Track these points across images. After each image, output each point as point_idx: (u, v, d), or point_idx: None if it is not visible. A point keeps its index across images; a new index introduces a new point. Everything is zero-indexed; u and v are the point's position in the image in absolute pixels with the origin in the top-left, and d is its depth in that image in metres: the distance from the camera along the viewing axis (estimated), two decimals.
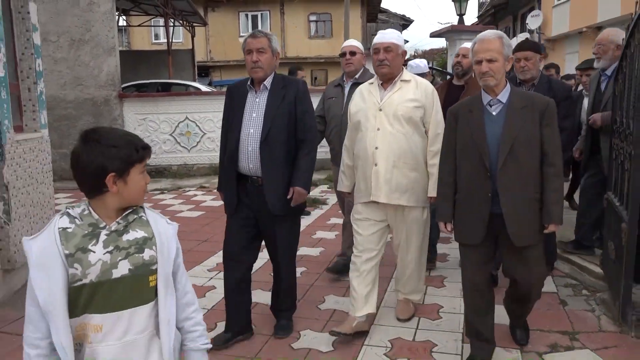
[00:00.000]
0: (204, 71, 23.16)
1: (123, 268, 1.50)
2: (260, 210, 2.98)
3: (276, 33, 23.46)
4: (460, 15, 9.50)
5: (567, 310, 3.45)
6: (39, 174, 4.24)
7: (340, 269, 4.11)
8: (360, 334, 3.10)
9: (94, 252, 1.48)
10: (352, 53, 4.03)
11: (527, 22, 21.08)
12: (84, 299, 1.48)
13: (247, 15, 24.57)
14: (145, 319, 1.55)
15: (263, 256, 3.45)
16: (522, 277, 2.74)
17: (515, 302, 2.94)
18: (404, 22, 34.74)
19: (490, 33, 2.67)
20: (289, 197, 2.95)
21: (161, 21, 16.90)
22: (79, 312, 1.49)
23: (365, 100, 3.16)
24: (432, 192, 3.09)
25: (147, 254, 1.54)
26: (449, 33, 9.44)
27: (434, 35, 10.15)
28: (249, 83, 3.04)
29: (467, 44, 4.00)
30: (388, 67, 3.06)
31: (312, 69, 23.77)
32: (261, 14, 24.47)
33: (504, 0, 23.90)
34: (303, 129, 3.01)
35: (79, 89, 9.11)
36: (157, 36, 24.39)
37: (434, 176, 3.05)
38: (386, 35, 3.12)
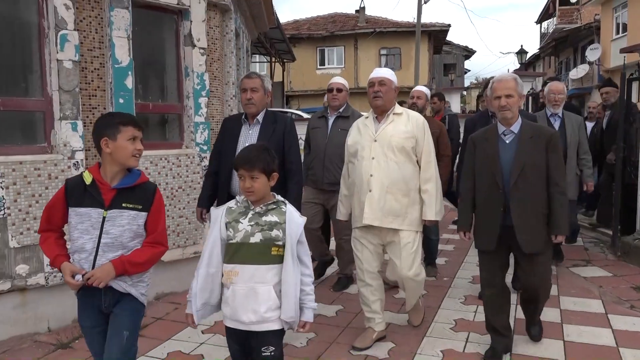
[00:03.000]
0: (285, 100, 25.48)
1: (257, 237, 2.14)
2: None
3: (350, 66, 26.18)
4: (522, 64, 11.58)
5: (587, 252, 5.66)
6: None
7: (344, 285, 4.42)
8: (381, 339, 3.36)
9: (242, 223, 2.16)
10: (339, 90, 4.30)
11: (586, 54, 22.27)
12: (231, 252, 2.16)
13: (324, 50, 26.86)
14: (263, 275, 2.14)
15: None
16: (530, 281, 3.08)
17: (526, 303, 3.28)
18: (466, 53, 36.33)
19: (507, 75, 3.12)
20: None
21: (258, 57, 19.80)
22: (227, 260, 2.16)
23: (361, 133, 3.36)
24: (428, 216, 3.26)
25: (274, 232, 2.15)
26: None
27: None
28: (243, 117, 3.41)
29: (420, 87, 4.92)
30: (381, 99, 3.25)
31: None
32: (337, 49, 26.69)
33: (565, 34, 24.98)
34: (289, 159, 3.33)
35: None
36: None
37: (427, 201, 3.27)
38: (381, 71, 3.37)
